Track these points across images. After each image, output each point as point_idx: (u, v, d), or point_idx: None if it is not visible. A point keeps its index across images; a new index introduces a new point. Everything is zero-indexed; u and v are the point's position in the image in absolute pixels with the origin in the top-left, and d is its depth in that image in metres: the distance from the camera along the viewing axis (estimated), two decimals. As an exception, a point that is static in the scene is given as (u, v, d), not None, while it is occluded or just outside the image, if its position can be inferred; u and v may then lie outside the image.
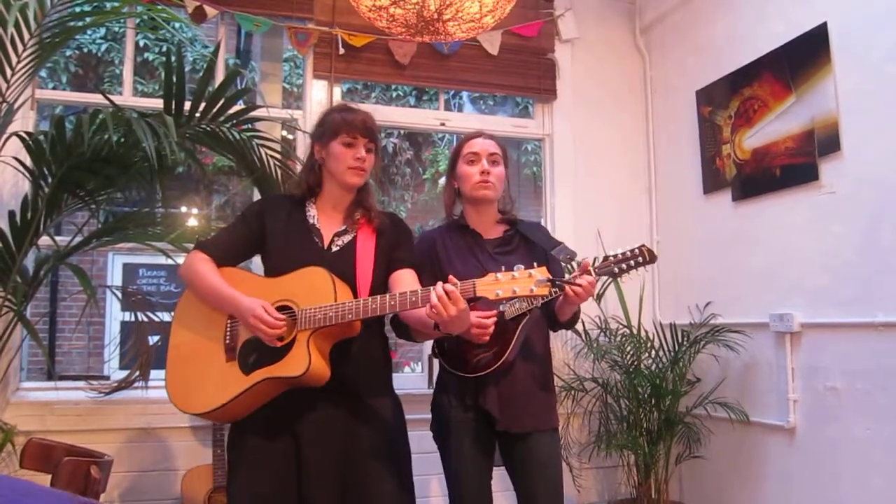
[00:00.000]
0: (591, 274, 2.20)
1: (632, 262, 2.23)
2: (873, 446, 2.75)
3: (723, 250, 3.60)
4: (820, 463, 2.99)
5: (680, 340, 3.47)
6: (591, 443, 3.57)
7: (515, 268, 1.86)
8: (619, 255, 2.24)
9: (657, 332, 3.61)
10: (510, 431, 2.36)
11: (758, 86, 3.38)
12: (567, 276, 2.34)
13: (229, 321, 2.10)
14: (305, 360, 1.94)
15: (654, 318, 3.94)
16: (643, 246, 2.25)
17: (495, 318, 2.14)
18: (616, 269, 2.23)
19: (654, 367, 3.52)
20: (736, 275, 3.50)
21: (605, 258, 2.25)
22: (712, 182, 3.71)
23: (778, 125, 3.25)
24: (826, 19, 3.01)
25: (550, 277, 1.85)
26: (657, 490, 3.50)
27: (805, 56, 3.10)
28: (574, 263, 2.40)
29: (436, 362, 3.70)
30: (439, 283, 1.86)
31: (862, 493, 2.78)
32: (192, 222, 6.16)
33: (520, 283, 1.85)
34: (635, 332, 3.61)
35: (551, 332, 2.56)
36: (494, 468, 2.48)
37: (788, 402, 3.11)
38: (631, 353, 3.54)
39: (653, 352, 3.56)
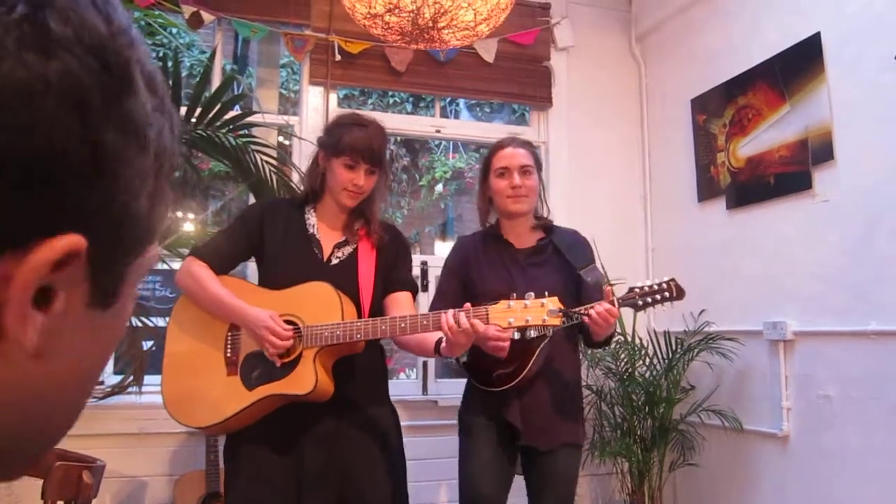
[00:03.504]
0: (613, 304, 2.17)
1: (657, 297, 2.17)
2: (866, 454, 2.75)
3: (717, 258, 3.61)
4: (813, 471, 2.99)
5: (674, 348, 3.48)
6: (586, 450, 3.57)
7: (527, 295, 1.89)
8: (647, 288, 2.19)
9: (651, 339, 3.62)
10: (531, 446, 2.37)
11: (752, 94, 3.40)
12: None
13: (230, 333, 2.07)
14: (312, 379, 1.94)
15: (649, 325, 3.95)
16: (672, 281, 2.19)
17: (510, 335, 2.13)
18: (640, 303, 2.18)
19: (648, 375, 3.53)
20: (730, 282, 3.51)
21: (631, 290, 2.22)
22: (707, 190, 3.72)
23: (772, 134, 3.26)
24: (820, 29, 3.02)
25: (562, 308, 1.88)
26: (651, 497, 3.50)
27: (799, 65, 3.12)
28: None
29: (431, 369, 3.74)
30: (450, 312, 1.90)
31: (855, 501, 2.79)
32: (188, 227, 6.16)
33: (532, 313, 1.88)
34: (630, 339, 3.61)
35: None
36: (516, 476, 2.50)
37: (782, 410, 3.12)
38: (625, 360, 3.55)
39: (647, 359, 3.56)
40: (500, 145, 2.49)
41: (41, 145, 0.34)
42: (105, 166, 0.37)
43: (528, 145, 2.51)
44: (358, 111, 2.32)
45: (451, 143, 8.60)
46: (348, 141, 2.08)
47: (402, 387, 3.99)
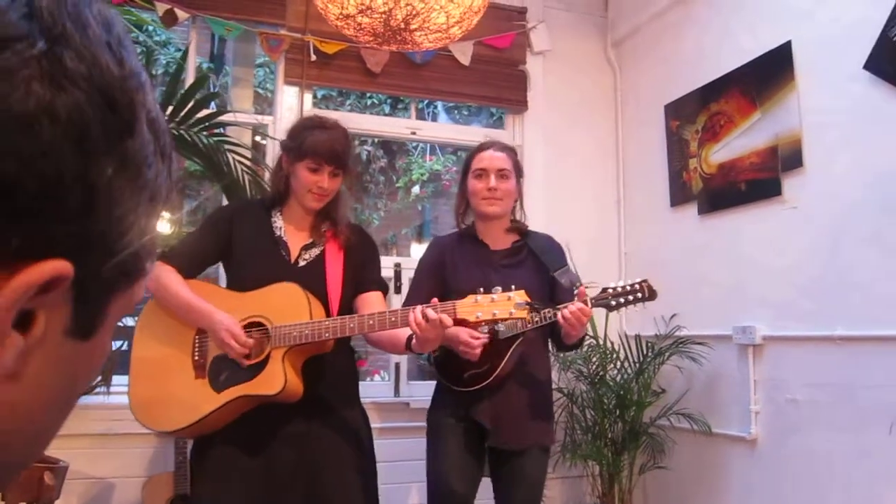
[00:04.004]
0: (587, 304, 2.19)
1: (630, 297, 2.21)
2: (832, 458, 2.79)
3: (689, 263, 3.64)
4: (780, 474, 3.02)
5: (645, 352, 3.50)
6: (557, 452, 3.58)
7: (494, 290, 1.91)
8: (619, 289, 2.22)
9: (623, 343, 3.64)
10: (499, 448, 2.38)
11: (724, 101, 3.43)
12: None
13: (197, 336, 2.06)
14: (281, 379, 1.93)
15: (620, 329, 3.97)
16: (645, 282, 2.22)
17: (483, 341, 2.14)
18: (613, 303, 2.21)
19: (619, 378, 3.55)
20: (701, 287, 3.54)
21: (604, 290, 2.24)
22: (679, 195, 3.75)
23: (743, 140, 3.30)
24: (791, 38, 3.06)
25: (529, 301, 1.90)
26: (621, 500, 3.52)
27: (770, 73, 3.15)
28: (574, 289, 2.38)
29: (403, 371, 3.74)
30: (419, 307, 1.91)
31: (821, 503, 2.82)
32: (163, 227, 6.10)
33: (499, 306, 1.89)
34: (601, 343, 3.63)
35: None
36: (483, 478, 2.50)
37: (750, 414, 3.15)
38: (597, 363, 3.56)
39: (618, 363, 3.58)
40: (481, 147, 2.52)
41: (41, 174, 0.35)
42: (98, 199, 0.38)
43: (509, 150, 2.54)
44: (320, 114, 2.31)
45: (429, 145, 8.60)
46: (310, 144, 2.08)
47: (375, 388, 3.99)
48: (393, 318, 1.97)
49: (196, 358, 2.05)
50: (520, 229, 2.55)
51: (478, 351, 2.08)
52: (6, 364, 0.37)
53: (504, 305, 1.89)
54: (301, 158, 2.10)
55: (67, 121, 0.36)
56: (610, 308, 2.22)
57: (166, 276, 2.07)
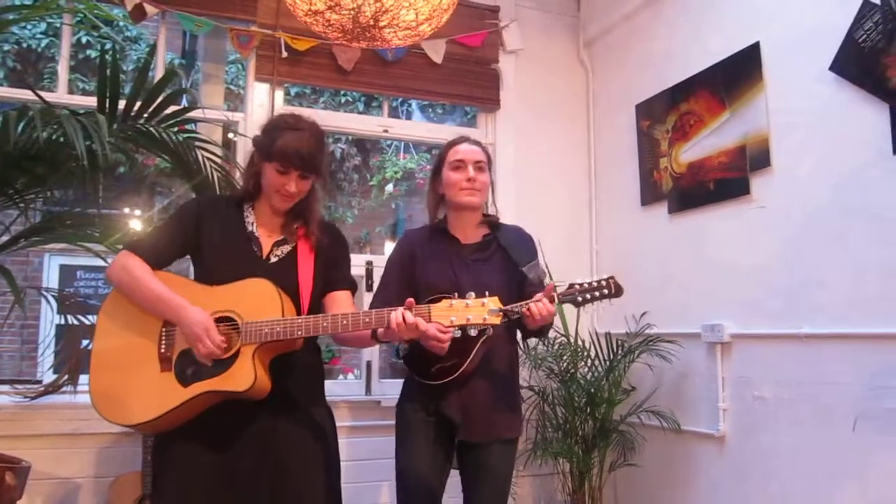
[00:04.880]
0: (553, 300, 2.20)
1: (597, 294, 2.21)
2: (799, 454, 2.83)
3: (659, 261, 3.67)
4: (748, 470, 3.06)
5: (615, 350, 3.52)
6: (528, 450, 3.59)
7: (468, 295, 1.95)
8: (586, 285, 2.22)
9: (593, 341, 3.66)
10: (469, 441, 2.39)
11: (694, 101, 3.46)
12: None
13: (164, 329, 2.03)
14: (251, 376, 1.91)
15: (591, 326, 3.99)
16: (611, 278, 2.23)
17: (451, 335, 2.14)
18: (580, 298, 2.22)
19: (589, 376, 3.57)
20: (671, 286, 3.57)
21: (571, 286, 2.25)
22: (650, 194, 3.78)
23: (713, 140, 3.33)
24: (759, 38, 3.10)
25: (503, 308, 1.95)
26: (591, 497, 3.54)
27: (739, 74, 3.19)
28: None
29: (374, 369, 3.73)
30: (399, 310, 1.95)
31: (788, 499, 2.86)
32: (134, 224, 6.04)
33: (473, 312, 1.93)
34: (572, 340, 3.65)
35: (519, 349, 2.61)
36: (452, 470, 2.50)
37: (719, 411, 3.18)
38: (567, 361, 3.58)
39: (589, 360, 3.60)
40: (455, 142, 2.54)
41: None
42: None
43: (481, 145, 2.57)
44: (297, 112, 2.28)
45: (403, 143, 8.59)
46: (280, 146, 2.04)
47: (346, 387, 3.97)
48: (367, 319, 1.98)
49: (162, 350, 2.01)
50: (491, 222, 2.56)
51: (446, 345, 2.09)
52: None
53: (478, 311, 1.92)
54: (270, 160, 2.07)
55: None
56: (576, 304, 2.23)
57: (133, 265, 2.03)
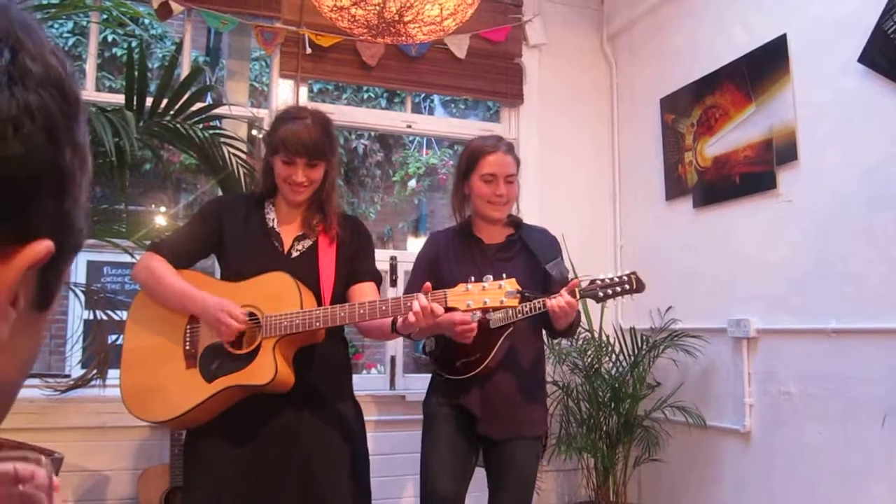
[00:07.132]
0: (575, 295, 2.20)
1: (618, 289, 2.22)
2: (825, 450, 2.80)
3: (683, 256, 3.65)
4: (774, 466, 3.03)
5: (640, 345, 3.51)
6: (552, 445, 3.59)
7: (485, 278, 1.92)
8: (607, 280, 2.23)
9: (618, 336, 3.65)
10: (490, 437, 2.40)
11: (719, 95, 3.43)
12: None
13: (189, 326, 2.06)
14: (272, 369, 1.93)
15: (615, 321, 3.97)
16: (633, 274, 2.24)
17: (477, 320, 2.15)
18: (601, 294, 2.23)
19: (614, 371, 3.56)
20: (696, 280, 3.55)
21: (592, 281, 2.26)
22: (674, 189, 3.75)
23: (738, 134, 3.30)
24: (785, 31, 3.06)
25: (520, 290, 1.91)
26: (615, 493, 3.53)
27: (764, 66, 3.15)
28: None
29: (399, 364, 3.75)
30: (420, 296, 1.93)
31: (814, 496, 2.83)
32: (160, 220, 6.10)
33: (490, 294, 1.90)
34: (596, 335, 3.64)
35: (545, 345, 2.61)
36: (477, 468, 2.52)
37: (744, 407, 3.16)
38: (592, 356, 3.57)
39: (613, 356, 3.59)
40: (488, 149, 2.49)
41: (27, 166, 0.41)
42: (64, 182, 0.44)
43: (513, 150, 2.56)
44: (304, 103, 2.28)
45: (425, 139, 8.59)
46: (281, 136, 2.07)
47: (370, 381, 3.99)
48: (384, 308, 1.98)
49: (187, 347, 2.04)
50: (515, 223, 2.56)
51: (473, 328, 2.10)
52: (3, 337, 0.41)
53: (495, 294, 1.89)
54: (275, 152, 2.10)
55: (40, 117, 0.41)
56: (598, 299, 2.23)
57: (157, 265, 2.07)
